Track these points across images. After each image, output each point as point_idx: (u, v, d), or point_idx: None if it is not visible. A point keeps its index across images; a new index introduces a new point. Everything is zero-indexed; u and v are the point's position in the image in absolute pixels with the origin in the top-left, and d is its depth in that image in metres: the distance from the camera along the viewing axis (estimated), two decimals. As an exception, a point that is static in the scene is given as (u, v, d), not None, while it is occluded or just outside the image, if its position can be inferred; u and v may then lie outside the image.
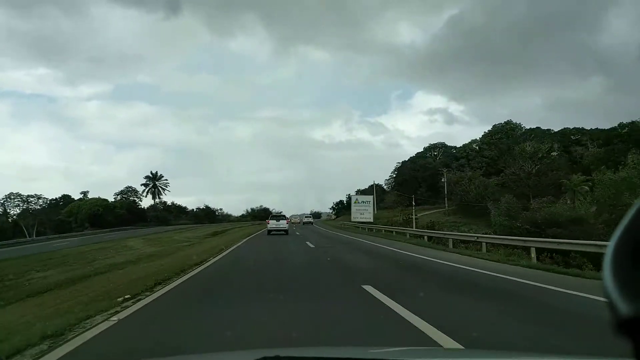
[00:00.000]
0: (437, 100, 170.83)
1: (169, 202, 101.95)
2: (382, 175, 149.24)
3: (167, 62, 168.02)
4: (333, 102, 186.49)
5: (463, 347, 4.17)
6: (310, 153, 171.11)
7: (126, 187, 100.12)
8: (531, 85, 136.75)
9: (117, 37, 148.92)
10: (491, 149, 78.30)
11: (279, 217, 36.05)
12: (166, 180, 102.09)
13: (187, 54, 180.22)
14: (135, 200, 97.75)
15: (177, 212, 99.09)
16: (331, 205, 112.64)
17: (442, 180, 72.07)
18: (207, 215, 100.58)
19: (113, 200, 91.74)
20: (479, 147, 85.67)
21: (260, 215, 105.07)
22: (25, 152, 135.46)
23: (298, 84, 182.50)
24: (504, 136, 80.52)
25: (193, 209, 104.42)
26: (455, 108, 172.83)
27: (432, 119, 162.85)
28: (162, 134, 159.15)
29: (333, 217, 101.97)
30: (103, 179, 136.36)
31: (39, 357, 4.16)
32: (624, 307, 0.56)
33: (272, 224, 34.23)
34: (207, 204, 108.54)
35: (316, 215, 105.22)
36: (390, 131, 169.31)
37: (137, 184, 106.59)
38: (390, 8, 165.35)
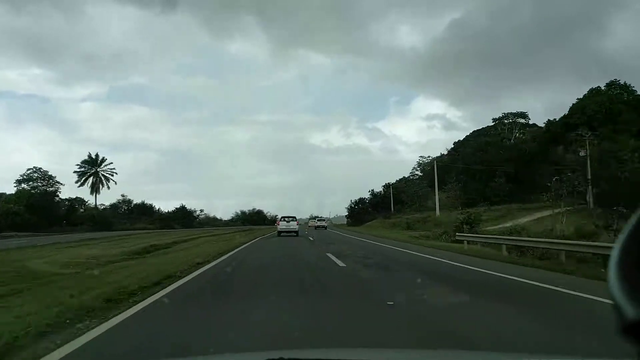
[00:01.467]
0: (436, 106, 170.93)
1: (132, 200, 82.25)
2: (380, 181, 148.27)
3: (164, 63, 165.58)
4: (331, 107, 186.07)
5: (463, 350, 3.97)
6: (308, 158, 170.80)
7: (33, 169, 68.55)
8: (532, 90, 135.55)
9: (113, 37, 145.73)
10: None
11: (290, 218, 35.80)
12: (112, 166, 76.96)
13: (184, 55, 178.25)
14: (50, 192, 67.72)
15: (138, 213, 79.05)
16: (348, 204, 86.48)
17: (581, 152, 42.10)
18: (182, 217, 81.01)
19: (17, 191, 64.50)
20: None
21: (253, 219, 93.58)
22: (17, 153, 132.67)
23: (296, 88, 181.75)
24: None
25: (159, 210, 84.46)
26: (453, 114, 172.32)
27: (430, 124, 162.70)
28: (157, 137, 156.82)
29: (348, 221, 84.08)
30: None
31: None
32: (630, 311, 0.58)
33: (282, 225, 34.51)
34: (201, 207, 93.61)
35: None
36: (388, 137, 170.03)
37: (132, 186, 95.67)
38: (392, 11, 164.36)
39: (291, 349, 2.75)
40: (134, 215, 78.19)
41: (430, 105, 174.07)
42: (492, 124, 73.18)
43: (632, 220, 0.65)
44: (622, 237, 0.64)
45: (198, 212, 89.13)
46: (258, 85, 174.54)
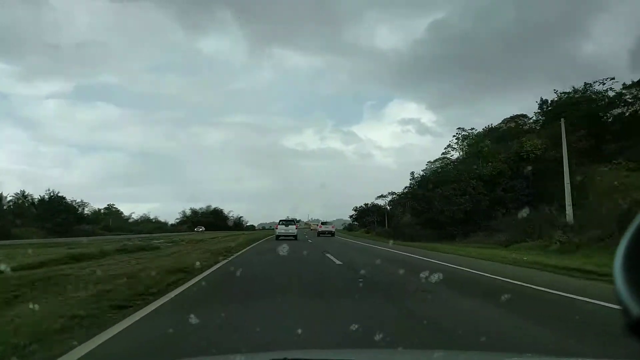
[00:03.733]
0: (412, 109, 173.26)
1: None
2: (357, 185, 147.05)
3: (134, 60, 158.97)
4: (307, 110, 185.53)
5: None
6: (283, 161, 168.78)
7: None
8: (511, 95, 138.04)
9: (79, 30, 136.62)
10: None
11: (289, 222, 34.89)
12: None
13: (155, 52, 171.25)
14: None
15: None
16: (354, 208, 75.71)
17: None
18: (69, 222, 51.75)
19: None
20: None
21: (208, 220, 73.93)
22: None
23: (272, 90, 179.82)
24: None
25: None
26: (428, 118, 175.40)
27: (405, 129, 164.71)
28: (127, 137, 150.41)
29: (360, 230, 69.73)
30: (64, 184, 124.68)
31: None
32: (636, 309, 0.59)
33: (280, 228, 33.76)
34: (171, 212, 79.60)
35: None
36: (363, 141, 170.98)
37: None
38: (372, 10, 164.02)
39: (295, 349, 2.66)
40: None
41: (407, 109, 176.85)
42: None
43: (637, 219, 0.66)
44: (626, 236, 0.65)
45: (129, 214, 73.66)
46: (233, 86, 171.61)
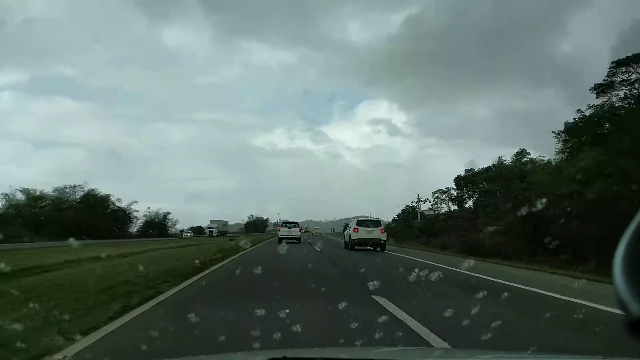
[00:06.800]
0: (383, 108, 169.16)
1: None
2: (329, 185, 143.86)
3: (94, 51, 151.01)
4: (276, 108, 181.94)
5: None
6: (250, 160, 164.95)
7: None
8: (484, 95, 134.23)
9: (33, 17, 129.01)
10: None
11: (291, 224, 34.32)
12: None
13: (116, 43, 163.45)
14: None
15: None
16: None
17: None
18: None
19: None
20: None
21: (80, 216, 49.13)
22: None
23: (239, 85, 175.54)
24: None
25: None
26: (399, 119, 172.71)
27: (376, 129, 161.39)
28: (86, 133, 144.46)
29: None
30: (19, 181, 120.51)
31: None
32: (635, 308, 0.59)
33: (283, 231, 32.94)
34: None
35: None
36: (332, 141, 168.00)
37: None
38: (345, 3, 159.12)
39: (294, 348, 2.66)
40: None
41: (378, 109, 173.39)
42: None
43: (637, 218, 0.66)
44: (626, 235, 0.66)
45: None
46: (198, 81, 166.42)
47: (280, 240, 31.86)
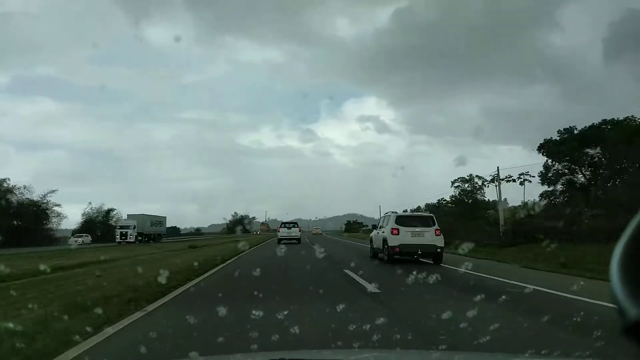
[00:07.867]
0: (371, 105, 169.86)
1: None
2: (318, 183, 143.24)
3: (76, 49, 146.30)
4: (263, 106, 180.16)
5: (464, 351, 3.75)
6: (237, 159, 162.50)
7: None
8: (473, 92, 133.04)
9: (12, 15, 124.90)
10: None
11: (291, 225, 33.65)
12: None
13: (99, 41, 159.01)
14: None
15: None
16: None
17: None
18: None
19: None
20: None
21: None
22: None
23: (226, 84, 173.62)
24: None
25: None
26: (387, 116, 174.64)
27: (364, 126, 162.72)
28: (69, 134, 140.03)
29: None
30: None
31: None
32: (633, 311, 0.59)
33: (282, 232, 32.42)
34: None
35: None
36: (321, 139, 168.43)
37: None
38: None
39: (292, 350, 2.58)
40: None
41: (366, 106, 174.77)
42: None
43: (634, 221, 0.66)
44: (624, 238, 0.66)
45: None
46: (183, 80, 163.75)
47: (279, 241, 31.32)
